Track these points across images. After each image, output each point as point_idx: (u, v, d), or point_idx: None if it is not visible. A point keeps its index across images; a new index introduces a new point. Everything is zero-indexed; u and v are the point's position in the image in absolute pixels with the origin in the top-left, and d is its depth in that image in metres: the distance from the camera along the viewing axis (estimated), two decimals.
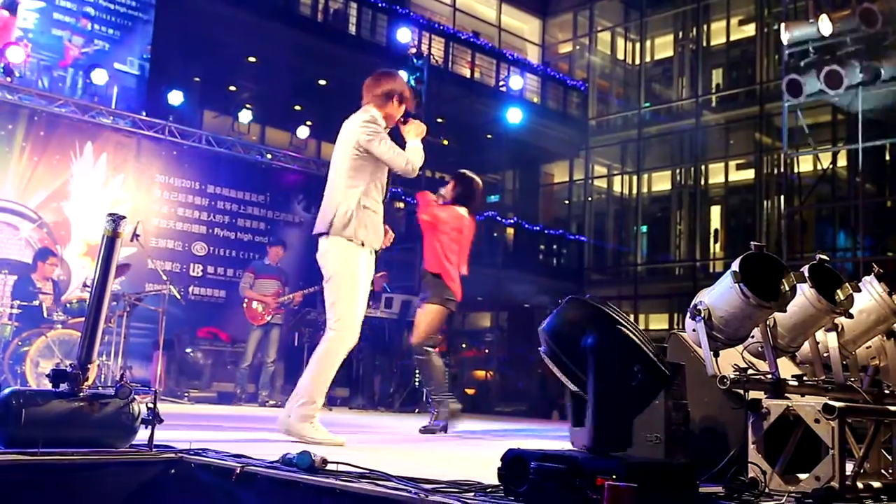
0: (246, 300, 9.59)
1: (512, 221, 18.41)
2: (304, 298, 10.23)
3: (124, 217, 2.99)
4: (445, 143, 4.46)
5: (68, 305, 8.08)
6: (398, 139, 4.40)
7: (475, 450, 4.54)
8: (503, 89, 17.35)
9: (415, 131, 4.40)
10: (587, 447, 2.25)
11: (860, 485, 2.62)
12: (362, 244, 4.19)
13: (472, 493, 2.27)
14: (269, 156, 12.49)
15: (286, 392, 10.21)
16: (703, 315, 2.74)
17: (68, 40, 10.98)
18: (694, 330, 2.80)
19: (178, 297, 8.69)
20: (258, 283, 9.64)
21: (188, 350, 10.04)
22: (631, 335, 2.32)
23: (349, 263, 4.18)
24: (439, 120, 16.12)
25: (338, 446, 3.91)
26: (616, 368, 2.28)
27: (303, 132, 13.12)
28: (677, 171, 19.72)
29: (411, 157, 4.28)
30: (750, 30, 18.99)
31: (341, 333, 4.14)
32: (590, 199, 20.70)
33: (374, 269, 4.41)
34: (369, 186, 4.25)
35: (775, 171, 17.50)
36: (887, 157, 15.45)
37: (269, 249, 10.01)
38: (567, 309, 2.43)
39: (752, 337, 2.89)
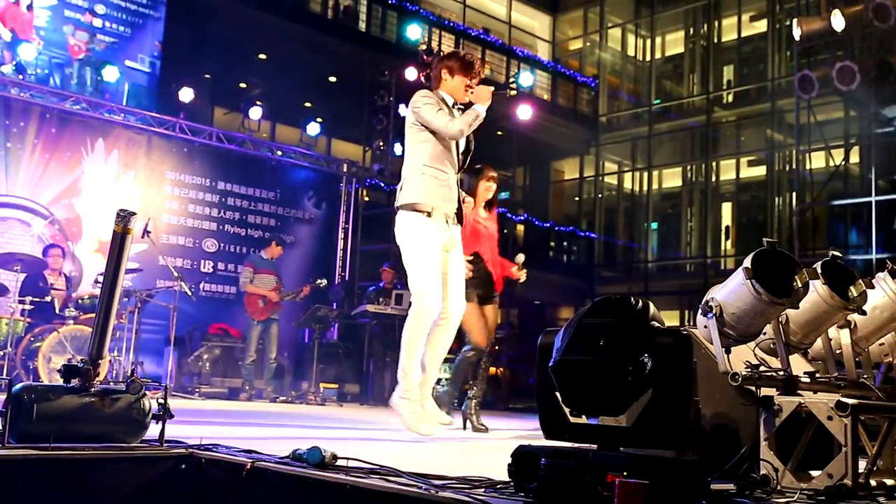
0: (248, 295, 9.61)
1: (522, 218, 18.39)
2: (314, 294, 10.26)
3: (135, 213, 2.99)
4: (512, 92, 4.44)
5: (80, 301, 8.12)
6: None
7: (486, 446, 4.53)
8: (513, 86, 17.32)
9: (482, 97, 4.41)
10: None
11: (873, 482, 2.60)
12: (429, 214, 4.27)
13: (483, 490, 2.26)
14: (279, 152, 12.51)
15: (295, 388, 10.29)
16: (714, 312, 2.73)
17: (72, 35, 11.00)
18: (705, 326, 2.79)
19: (189, 293, 8.72)
20: (257, 278, 9.67)
21: (199, 346, 10.07)
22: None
23: (413, 235, 4.27)
24: None
25: (424, 435, 4.14)
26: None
27: (313, 129, 13.13)
28: (688, 167, 19.66)
29: (457, 119, 4.32)
30: (761, 26, 18.90)
31: (416, 307, 4.25)
32: (600, 195, 20.66)
33: (460, 241, 4.50)
34: (432, 156, 4.33)
35: (787, 168, 17.42)
36: None
37: (270, 245, 10.01)
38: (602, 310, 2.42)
39: (764, 334, 2.87)
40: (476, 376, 5.84)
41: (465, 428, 5.59)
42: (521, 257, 6.00)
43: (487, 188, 5.93)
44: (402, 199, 4.32)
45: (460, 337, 5.20)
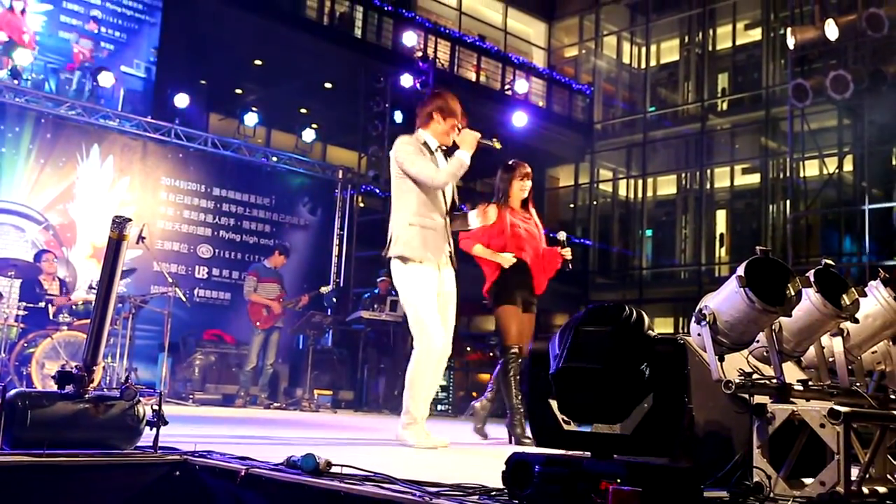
0: (251, 304, 9.61)
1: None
2: (310, 301, 10.27)
3: (130, 219, 3.00)
4: (497, 145, 4.37)
5: (74, 307, 8.11)
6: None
7: (480, 453, 4.53)
8: (509, 93, 17.37)
9: (466, 139, 4.44)
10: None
11: (865, 490, 2.61)
12: (421, 262, 4.33)
13: (477, 497, 2.27)
14: (274, 158, 12.51)
15: (289, 394, 10.28)
16: (707, 320, 2.74)
17: (76, 42, 11.01)
18: (699, 334, 2.79)
19: (184, 299, 8.71)
20: (261, 287, 9.67)
21: (193, 352, 10.05)
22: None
23: (408, 281, 4.35)
24: None
25: (441, 447, 4.20)
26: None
27: (308, 135, 13.14)
28: (683, 175, 19.70)
29: (442, 171, 4.38)
30: (756, 34, 18.97)
31: (418, 350, 4.33)
32: (595, 203, 20.68)
33: (453, 285, 4.53)
34: (419, 205, 4.38)
35: (781, 176, 17.47)
36: (893, 162, 15.42)
37: (274, 255, 10.00)
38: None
39: (758, 341, 2.89)
40: (510, 385, 5.49)
41: (510, 441, 5.38)
42: (562, 234, 5.73)
43: (522, 187, 5.72)
44: (393, 250, 4.39)
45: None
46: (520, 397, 5.44)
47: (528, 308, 5.58)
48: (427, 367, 4.32)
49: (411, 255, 4.32)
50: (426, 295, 4.33)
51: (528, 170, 5.83)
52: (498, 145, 4.62)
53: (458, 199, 4.64)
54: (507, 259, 5.47)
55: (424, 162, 4.37)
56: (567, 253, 5.64)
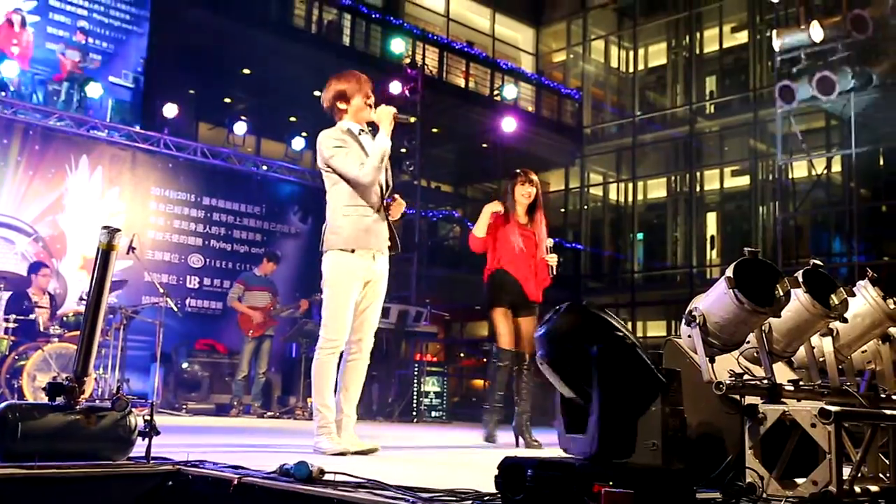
0: (239, 312, 9.59)
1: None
2: (309, 306, 10.28)
3: (119, 229, 2.99)
4: (412, 119, 4.31)
5: (65, 319, 8.08)
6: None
7: (472, 458, 4.53)
8: (497, 98, 17.39)
9: (384, 118, 4.28)
10: (591, 455, 2.26)
11: (857, 489, 2.62)
12: (353, 251, 4.22)
13: (470, 502, 2.27)
14: (264, 167, 12.51)
15: (283, 403, 10.25)
16: (698, 321, 2.75)
17: (62, 53, 10.99)
18: (689, 336, 2.81)
19: (175, 309, 8.69)
20: (249, 295, 9.65)
21: (185, 362, 10.03)
22: (632, 343, 2.33)
23: (333, 275, 4.23)
24: (434, 130, 16.15)
25: (342, 454, 3.97)
26: (619, 378, 2.29)
27: (298, 143, 13.14)
28: (672, 178, 19.77)
29: (367, 162, 4.21)
30: (742, 37, 19.07)
31: (321, 342, 4.22)
32: (585, 207, 20.73)
33: (385, 271, 4.39)
34: (350, 195, 4.26)
35: (770, 178, 17.55)
36: (881, 162, 15.51)
37: (263, 262, 10.00)
38: (565, 315, 2.44)
39: (748, 342, 2.90)
40: (520, 390, 5.64)
41: (517, 445, 5.45)
42: (549, 241, 5.80)
43: (524, 193, 5.77)
44: (326, 243, 4.28)
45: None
46: (522, 403, 5.56)
47: (523, 313, 5.67)
48: (328, 362, 4.19)
49: (344, 245, 4.21)
50: (344, 292, 4.20)
51: (533, 177, 5.89)
52: (412, 119, 4.54)
53: (391, 181, 4.46)
54: (492, 206, 5.69)
55: (348, 159, 4.22)
56: (552, 259, 5.72)
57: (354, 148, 4.29)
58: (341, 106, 4.38)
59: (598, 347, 2.30)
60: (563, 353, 2.41)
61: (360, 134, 4.36)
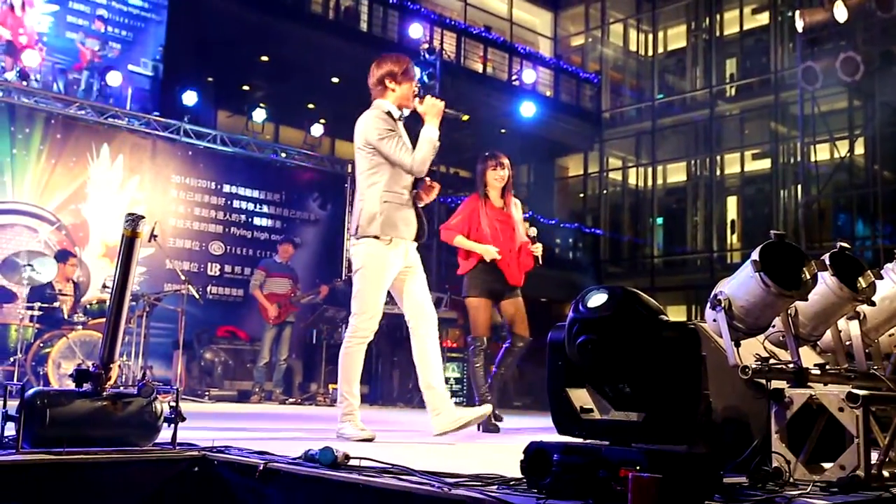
0: (260, 300, 9.64)
1: (527, 216, 18.30)
2: (329, 292, 10.32)
3: (143, 217, 3.00)
4: (466, 117, 4.28)
5: (88, 307, 8.15)
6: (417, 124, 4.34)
7: (496, 443, 4.54)
8: (516, 83, 17.33)
9: (431, 110, 4.26)
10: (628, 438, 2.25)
11: (886, 473, 2.60)
12: (390, 241, 4.21)
13: (496, 487, 2.26)
14: (283, 154, 12.53)
15: (304, 390, 10.31)
16: (723, 305, 2.73)
17: (81, 43, 11.04)
18: (714, 320, 2.78)
19: (197, 296, 8.74)
20: (270, 282, 9.69)
21: (207, 350, 10.09)
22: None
23: (369, 262, 4.20)
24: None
25: (367, 441, 3.97)
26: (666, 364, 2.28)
27: (317, 130, 13.14)
28: (692, 162, 19.63)
29: (419, 153, 4.20)
30: (763, 18, 18.85)
31: (351, 329, 4.22)
32: (605, 191, 20.64)
33: (418, 258, 4.41)
34: (390, 180, 4.23)
35: (792, 161, 17.38)
36: None
37: (280, 247, 10.04)
38: (609, 299, 2.40)
39: (774, 326, 2.87)
40: (503, 364, 5.69)
41: (479, 429, 5.40)
42: (532, 230, 5.81)
43: (496, 177, 5.74)
44: (361, 228, 4.21)
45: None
46: (487, 385, 5.60)
47: (508, 297, 5.70)
48: (357, 351, 4.18)
49: (381, 233, 4.17)
50: (382, 279, 4.20)
51: (504, 159, 5.82)
52: (465, 117, 4.51)
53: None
54: (489, 251, 5.57)
55: (401, 146, 4.20)
56: (536, 249, 5.73)
57: (400, 135, 4.27)
58: (390, 85, 4.33)
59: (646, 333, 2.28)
60: (605, 337, 2.37)
61: (399, 119, 4.33)
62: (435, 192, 4.45)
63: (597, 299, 2.36)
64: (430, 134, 4.22)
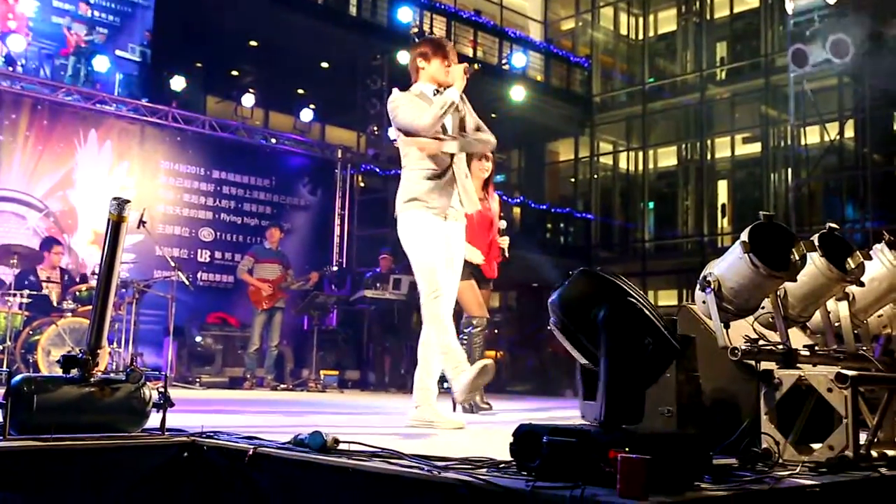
0: (248, 285, 9.61)
1: (518, 200, 18.37)
2: (319, 278, 10.29)
3: (128, 200, 2.98)
4: (476, 67, 4.28)
5: (77, 294, 8.11)
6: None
7: (487, 427, 4.54)
8: (506, 67, 17.25)
9: (455, 77, 4.24)
10: (600, 421, 2.24)
11: (874, 453, 2.61)
12: (427, 210, 4.16)
13: (485, 469, 2.26)
14: (273, 140, 12.47)
15: (296, 376, 10.30)
16: (712, 286, 2.73)
17: (67, 28, 10.94)
18: (704, 302, 2.79)
19: (187, 283, 8.70)
20: (259, 268, 9.65)
21: (198, 336, 10.08)
22: (642, 308, 2.30)
23: (414, 231, 4.16)
24: None
25: (457, 428, 4.05)
26: (628, 342, 2.27)
27: (306, 115, 13.09)
28: (683, 146, 19.63)
29: (426, 111, 4.17)
30: (753, 1, 18.82)
31: (429, 308, 4.13)
32: (596, 176, 20.63)
33: (460, 235, 4.35)
34: (419, 156, 4.20)
35: (782, 144, 17.40)
36: (895, 127, 15.34)
37: (267, 232, 10.00)
38: (577, 280, 2.41)
39: (763, 308, 2.88)
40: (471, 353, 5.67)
41: (454, 409, 5.37)
42: (502, 223, 5.91)
43: (481, 167, 5.79)
44: (400, 202, 4.22)
45: (458, 315, 5.10)
46: None
47: (481, 287, 5.78)
48: (441, 306, 4.09)
49: (410, 206, 4.16)
50: (429, 239, 4.14)
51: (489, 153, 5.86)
52: (476, 67, 4.50)
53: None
54: (476, 256, 5.63)
55: (410, 107, 4.20)
56: (503, 242, 5.83)
57: (422, 102, 4.26)
58: (421, 64, 4.39)
59: (606, 311, 2.27)
60: (574, 319, 2.39)
61: (434, 94, 4.31)
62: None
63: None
64: (449, 94, 4.18)
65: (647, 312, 2.31)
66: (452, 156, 4.27)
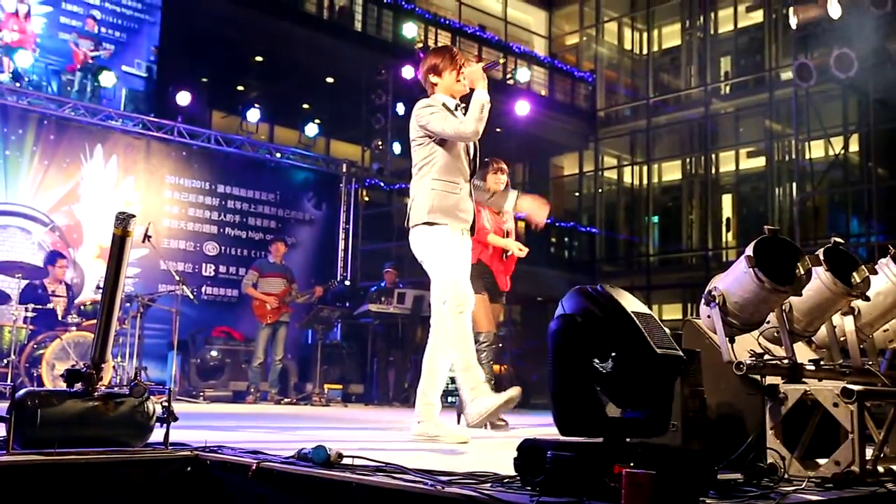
0: (252, 298, 9.62)
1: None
2: (324, 292, 10.30)
3: (133, 215, 2.98)
4: (502, 60, 4.26)
5: (82, 308, 8.12)
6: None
7: (491, 442, 4.52)
8: (510, 82, 17.30)
9: (475, 76, 4.15)
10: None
11: (881, 468, 2.60)
12: (445, 225, 4.09)
13: (489, 484, 2.25)
14: (278, 154, 12.51)
15: (300, 390, 10.29)
16: (717, 301, 2.72)
17: (74, 43, 11.01)
18: (709, 316, 2.78)
19: (192, 297, 8.71)
20: (263, 282, 9.66)
21: (202, 350, 10.07)
22: (614, 321, 2.28)
23: (433, 244, 4.09)
24: None
25: (462, 442, 3.95)
26: (571, 353, 2.27)
27: (311, 130, 13.13)
28: (687, 160, 19.63)
29: (469, 115, 4.07)
30: (758, 16, 18.85)
31: (450, 315, 4.03)
32: (600, 190, 20.63)
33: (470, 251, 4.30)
34: (440, 170, 4.13)
35: (786, 158, 17.39)
36: None
37: (271, 246, 10.02)
38: (568, 300, 2.41)
39: (768, 322, 2.87)
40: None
41: (458, 422, 5.39)
42: (509, 223, 6.04)
43: (497, 181, 5.83)
44: (414, 217, 4.12)
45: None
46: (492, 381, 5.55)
47: (494, 300, 5.84)
48: (457, 334, 3.99)
49: (435, 219, 4.06)
50: (456, 254, 4.07)
51: (504, 165, 5.93)
52: (502, 60, 4.45)
53: (479, 161, 4.39)
54: (518, 248, 5.80)
55: (446, 117, 4.10)
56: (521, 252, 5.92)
57: (451, 114, 4.18)
58: (433, 80, 4.29)
59: (552, 325, 2.29)
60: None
61: (456, 109, 4.22)
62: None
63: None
64: (479, 96, 4.08)
65: (626, 325, 2.27)
66: (471, 173, 4.26)
